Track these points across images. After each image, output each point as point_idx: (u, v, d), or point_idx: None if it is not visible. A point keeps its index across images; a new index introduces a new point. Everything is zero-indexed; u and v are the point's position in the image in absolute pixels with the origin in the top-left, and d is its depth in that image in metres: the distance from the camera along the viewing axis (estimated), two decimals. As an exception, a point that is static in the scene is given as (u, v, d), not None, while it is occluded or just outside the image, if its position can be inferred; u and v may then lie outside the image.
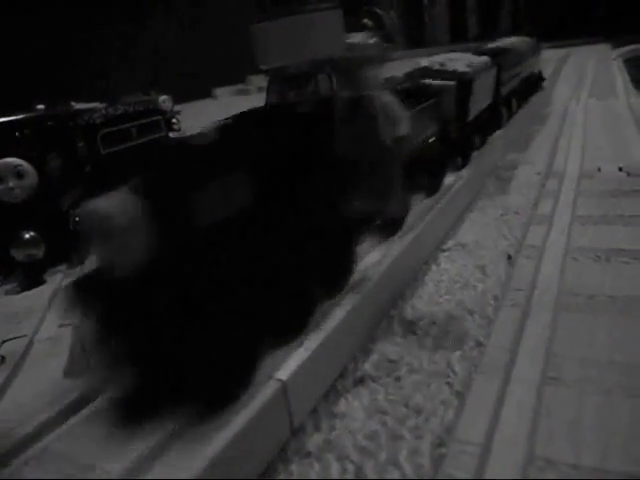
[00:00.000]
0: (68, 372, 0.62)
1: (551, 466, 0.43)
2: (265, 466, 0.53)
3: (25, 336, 0.75)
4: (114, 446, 0.46)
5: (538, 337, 0.61)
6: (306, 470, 0.52)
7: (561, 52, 4.21)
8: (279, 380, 0.54)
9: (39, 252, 0.99)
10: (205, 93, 6.83)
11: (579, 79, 2.94)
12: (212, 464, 0.45)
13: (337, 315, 0.65)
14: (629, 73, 3.03)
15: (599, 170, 1.25)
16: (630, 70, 3.20)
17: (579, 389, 0.50)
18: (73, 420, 0.53)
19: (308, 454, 0.54)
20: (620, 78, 2.76)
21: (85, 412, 0.53)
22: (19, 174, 0.99)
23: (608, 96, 2.21)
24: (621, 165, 1.24)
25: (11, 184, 0.98)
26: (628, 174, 1.19)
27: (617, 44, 4.46)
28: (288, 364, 0.56)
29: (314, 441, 0.56)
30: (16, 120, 1.38)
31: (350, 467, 0.52)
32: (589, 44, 4.95)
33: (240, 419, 0.48)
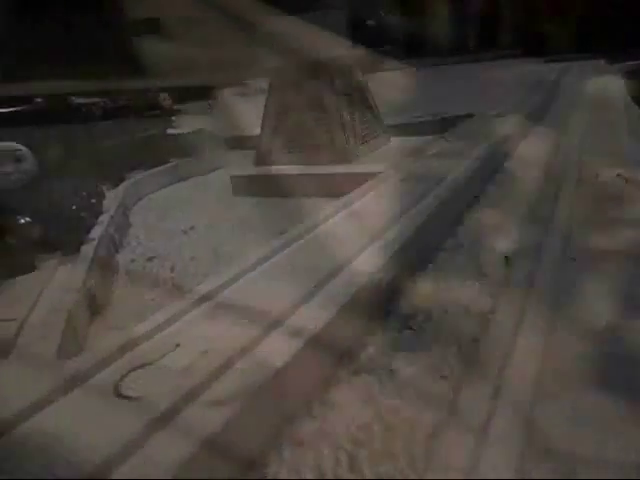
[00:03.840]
0: (61, 353, 0.61)
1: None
2: (258, 453, 0.52)
3: (15, 320, 0.74)
4: (102, 428, 0.45)
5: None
6: (299, 459, 0.51)
7: (560, 65, 4.29)
8: (273, 367, 0.53)
9: (34, 238, 0.98)
10: (206, 94, 6.84)
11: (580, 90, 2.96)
12: (204, 448, 0.44)
13: (334, 304, 0.64)
14: (627, 87, 3.06)
15: (597, 176, 1.25)
16: (629, 84, 3.24)
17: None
18: (63, 400, 0.52)
19: (301, 442, 0.53)
20: (618, 91, 2.78)
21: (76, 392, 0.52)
22: (18, 158, 0.98)
23: (607, 106, 2.22)
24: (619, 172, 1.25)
25: (9, 168, 0.98)
26: (626, 181, 1.19)
27: (610, 61, 4.62)
28: (283, 351, 0.55)
29: (308, 430, 0.55)
30: (16, 111, 1.38)
31: (343, 457, 0.51)
32: (584, 59, 5.11)
33: (233, 404, 0.47)
